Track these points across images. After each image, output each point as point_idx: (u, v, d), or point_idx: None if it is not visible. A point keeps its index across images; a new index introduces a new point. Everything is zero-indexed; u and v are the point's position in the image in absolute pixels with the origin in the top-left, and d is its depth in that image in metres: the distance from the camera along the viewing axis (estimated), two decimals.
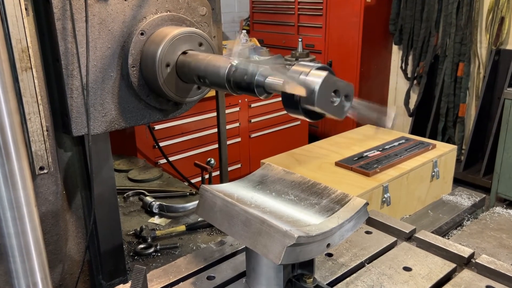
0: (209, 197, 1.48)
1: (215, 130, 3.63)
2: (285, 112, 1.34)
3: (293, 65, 1.31)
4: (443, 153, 3.92)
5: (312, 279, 1.40)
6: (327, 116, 1.28)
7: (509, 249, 1.77)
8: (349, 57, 6.45)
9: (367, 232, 1.77)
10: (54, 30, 1.53)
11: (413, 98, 6.73)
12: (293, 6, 6.97)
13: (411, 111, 6.73)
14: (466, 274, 1.50)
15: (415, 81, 6.69)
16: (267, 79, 1.42)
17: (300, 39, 5.70)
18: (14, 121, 0.99)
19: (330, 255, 1.63)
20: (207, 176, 3.12)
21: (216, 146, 3.70)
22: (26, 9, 1.46)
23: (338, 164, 3.61)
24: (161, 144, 4.03)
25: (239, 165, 5.41)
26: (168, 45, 1.65)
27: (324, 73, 1.22)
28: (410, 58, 6.69)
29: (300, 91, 1.23)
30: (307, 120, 1.31)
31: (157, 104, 1.80)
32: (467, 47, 5.91)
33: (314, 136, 6.16)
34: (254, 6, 7.64)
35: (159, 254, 2.26)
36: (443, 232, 1.97)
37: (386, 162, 3.59)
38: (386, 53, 6.91)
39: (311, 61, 5.43)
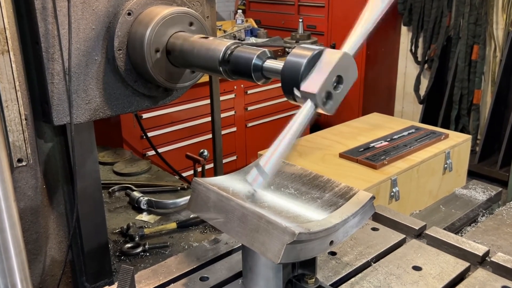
0: (202, 191, 1.48)
1: (209, 118, 3.64)
2: (284, 99, 1.34)
3: (293, 48, 1.31)
4: (457, 143, 3.93)
5: (314, 280, 1.41)
6: None
7: None
8: None
9: (374, 229, 1.78)
10: (33, 9, 1.53)
11: (424, 84, 6.73)
12: None
13: (421, 97, 6.74)
14: (480, 274, 1.51)
15: (426, 65, 6.70)
16: (265, 62, 1.42)
17: (300, 20, 5.69)
18: None
19: (333, 253, 1.64)
20: (199, 169, 3.13)
21: (210, 136, 3.70)
22: None
23: (342, 155, 3.62)
24: (150, 134, 4.03)
25: (234, 157, 5.42)
26: (158, 26, 1.65)
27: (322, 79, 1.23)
28: (421, 40, 6.69)
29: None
30: None
31: (145, 90, 1.80)
32: (482, 28, 5.91)
33: (316, 125, 6.17)
34: None
35: (147, 254, 2.27)
36: (456, 228, 1.98)
37: (394, 154, 3.60)
38: (394, 35, 6.90)
39: (312, 43, 5.42)
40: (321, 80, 1.22)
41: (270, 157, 1.29)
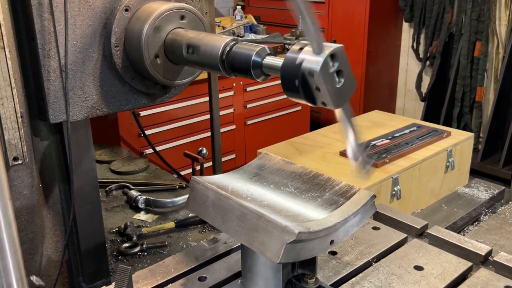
0: (201, 189, 1.48)
1: (207, 116, 3.63)
2: (284, 96, 1.34)
3: (293, 44, 1.31)
4: (459, 141, 3.93)
5: (314, 280, 1.41)
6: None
7: None
8: (355, 36, 6.44)
9: (375, 228, 1.78)
10: (29, 5, 1.52)
11: (426, 81, 6.73)
12: None
13: (423, 95, 6.75)
14: (483, 274, 1.51)
15: (427, 62, 6.70)
16: (265, 59, 1.42)
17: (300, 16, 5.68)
18: None
19: (333, 253, 1.64)
20: (198, 168, 3.12)
21: (209, 134, 3.71)
22: None
23: (343, 154, 3.61)
24: (147, 132, 4.03)
25: (233, 155, 5.42)
26: (156, 23, 1.65)
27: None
28: (422, 36, 6.69)
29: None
30: (309, 105, 1.31)
31: (143, 87, 1.79)
32: (484, 24, 5.91)
33: (316, 123, 6.17)
34: None
35: (145, 253, 2.27)
36: (458, 227, 1.98)
37: (396, 152, 3.60)
38: (395, 31, 6.90)
39: None
40: (329, 99, 1.23)
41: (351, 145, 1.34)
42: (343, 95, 1.26)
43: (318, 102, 1.27)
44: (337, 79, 1.25)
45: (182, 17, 1.72)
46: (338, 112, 1.30)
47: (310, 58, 1.23)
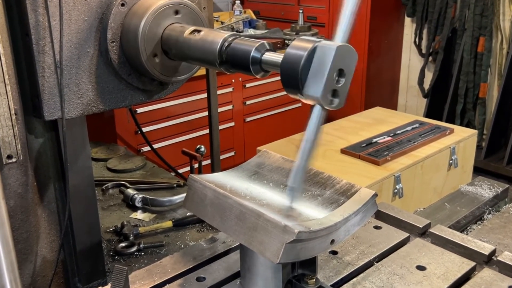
0: (199, 188, 1.48)
1: (206, 113, 3.63)
2: (284, 93, 1.34)
3: (293, 40, 1.31)
4: (462, 138, 3.93)
5: (314, 280, 1.41)
6: None
7: None
8: (356, 31, 6.43)
9: (376, 227, 1.78)
10: (23, 0, 1.52)
11: (428, 77, 6.73)
12: None
13: (426, 91, 6.74)
14: (486, 274, 1.51)
15: (430, 58, 6.69)
16: (264, 55, 1.42)
17: (301, 11, 5.68)
18: None
19: (334, 252, 1.64)
20: (196, 166, 3.13)
21: (207, 131, 3.70)
22: None
23: (344, 151, 3.61)
24: (144, 129, 4.03)
25: (232, 153, 5.42)
26: (152, 18, 1.64)
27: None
28: (425, 31, 6.68)
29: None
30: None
31: (139, 84, 1.79)
32: (488, 19, 5.90)
33: None
34: None
35: (142, 253, 2.27)
36: (461, 227, 1.98)
37: (398, 149, 3.60)
38: (398, 26, 6.90)
39: (313, 35, 5.42)
40: (322, 83, 1.22)
41: (295, 171, 1.32)
42: (329, 99, 1.26)
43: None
44: (336, 77, 1.24)
45: (179, 12, 1.72)
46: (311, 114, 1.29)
47: (330, 41, 1.25)
